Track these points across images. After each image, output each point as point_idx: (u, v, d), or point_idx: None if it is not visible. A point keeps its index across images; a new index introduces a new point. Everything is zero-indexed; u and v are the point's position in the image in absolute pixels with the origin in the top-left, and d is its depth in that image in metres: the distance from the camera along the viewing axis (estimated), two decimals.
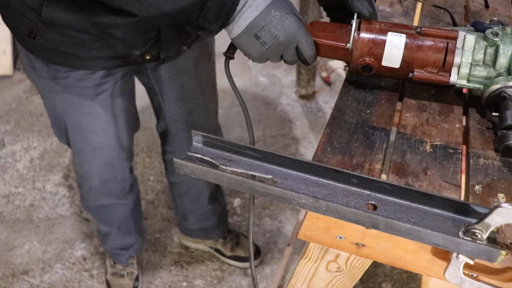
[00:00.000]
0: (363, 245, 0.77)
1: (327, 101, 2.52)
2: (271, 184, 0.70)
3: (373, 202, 0.70)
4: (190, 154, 0.77)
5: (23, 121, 2.45)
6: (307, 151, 2.27)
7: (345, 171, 0.70)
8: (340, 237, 0.77)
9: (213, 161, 0.75)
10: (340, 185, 0.71)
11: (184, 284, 1.77)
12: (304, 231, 0.80)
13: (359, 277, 0.90)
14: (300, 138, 2.33)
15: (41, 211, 2.00)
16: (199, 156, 0.77)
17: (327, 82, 2.62)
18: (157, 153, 2.28)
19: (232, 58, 0.89)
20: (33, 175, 2.15)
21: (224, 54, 0.89)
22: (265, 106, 2.53)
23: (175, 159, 0.73)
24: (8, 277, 1.75)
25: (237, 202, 2.08)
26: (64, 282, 1.74)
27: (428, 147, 0.79)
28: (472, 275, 0.72)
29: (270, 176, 0.73)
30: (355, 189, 0.71)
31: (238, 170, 0.74)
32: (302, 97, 2.51)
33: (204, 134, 0.77)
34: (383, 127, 0.83)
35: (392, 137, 0.82)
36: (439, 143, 0.79)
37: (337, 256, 0.87)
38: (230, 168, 0.74)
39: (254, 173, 0.74)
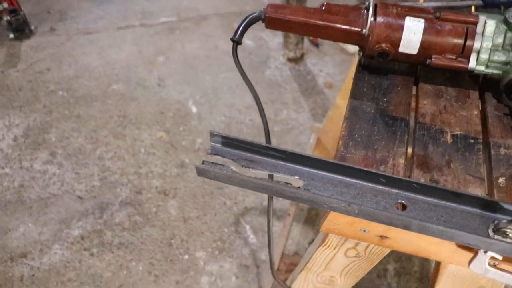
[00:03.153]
0: (387, 237, 0.78)
1: (315, 63, 2.48)
2: (302, 189, 0.68)
3: (402, 201, 0.69)
4: (210, 155, 0.75)
5: (1, 97, 2.35)
6: (299, 116, 2.25)
7: (373, 171, 0.69)
8: (364, 231, 0.78)
9: (235, 163, 0.73)
10: (367, 184, 0.71)
11: (186, 257, 1.78)
12: (327, 225, 0.80)
13: (377, 262, 0.92)
14: (290, 103, 2.31)
15: (32, 192, 1.95)
16: (219, 157, 0.75)
17: (315, 43, 2.57)
18: (146, 125, 2.23)
19: (240, 43, 0.86)
20: (19, 154, 2.09)
21: (231, 39, 0.85)
22: (253, 71, 2.48)
23: (196, 165, 0.71)
24: (6, 261, 1.73)
25: None
26: (64, 263, 1.74)
27: (449, 138, 0.78)
28: (494, 264, 0.74)
29: (296, 177, 0.72)
30: (383, 187, 0.70)
31: (263, 172, 0.72)
32: (290, 60, 2.47)
33: (223, 134, 0.75)
34: (402, 116, 0.81)
35: (411, 121, 0.82)
36: (459, 132, 0.79)
37: (356, 244, 0.88)
38: (254, 170, 0.72)
39: (279, 175, 0.72)
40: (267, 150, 0.73)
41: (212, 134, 0.75)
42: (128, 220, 1.88)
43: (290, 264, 1.76)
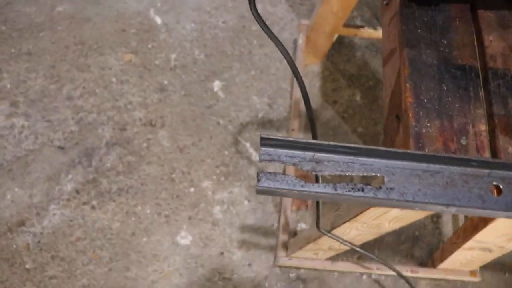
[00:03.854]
0: None
1: None
2: (392, 197, 0.57)
3: (496, 184, 0.59)
4: (263, 162, 0.61)
5: None
6: (276, 9, 2.03)
7: (464, 157, 0.57)
8: None
9: (297, 167, 0.60)
10: (455, 168, 0.59)
11: (192, 190, 1.70)
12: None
13: None
14: None
15: (6, 152, 1.77)
16: (275, 161, 0.61)
17: None
18: (110, 48, 1.98)
19: None
20: None
21: None
22: None
23: (256, 187, 0.58)
24: (5, 233, 1.61)
25: (217, 85, 1.90)
26: (67, 222, 1.64)
27: None
28: None
29: (374, 174, 0.60)
30: (473, 169, 0.59)
31: (334, 174, 0.60)
32: None
33: (273, 136, 0.60)
34: (470, 64, 0.67)
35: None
36: None
37: None
38: (323, 173, 0.60)
39: (354, 174, 0.60)
40: (334, 148, 0.60)
41: (263, 138, 0.60)
42: (121, 162, 1.75)
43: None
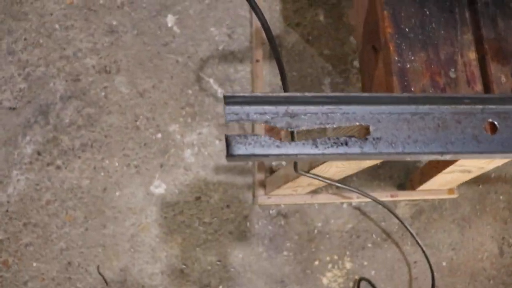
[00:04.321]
0: None
1: None
2: (381, 149, 0.51)
3: (490, 120, 0.54)
4: (231, 121, 0.54)
5: None
6: None
7: (455, 95, 0.51)
8: None
9: (270, 124, 0.54)
10: (446, 107, 0.53)
11: (159, 135, 1.62)
12: None
13: None
14: None
15: None
16: (244, 120, 0.54)
17: None
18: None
19: None
20: None
21: None
22: None
23: (226, 156, 0.51)
24: None
25: (170, 20, 1.76)
26: (33, 187, 1.55)
27: None
28: None
29: (357, 123, 0.53)
30: (465, 107, 0.54)
31: (312, 127, 0.53)
32: None
33: (238, 94, 0.53)
34: None
35: None
36: None
37: None
38: (300, 128, 0.53)
39: (335, 125, 0.54)
40: (310, 99, 0.53)
41: (226, 97, 0.53)
42: (80, 116, 1.64)
43: None
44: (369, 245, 1.58)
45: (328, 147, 0.51)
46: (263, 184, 1.47)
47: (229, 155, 0.51)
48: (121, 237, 1.52)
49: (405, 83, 0.56)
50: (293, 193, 1.37)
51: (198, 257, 1.53)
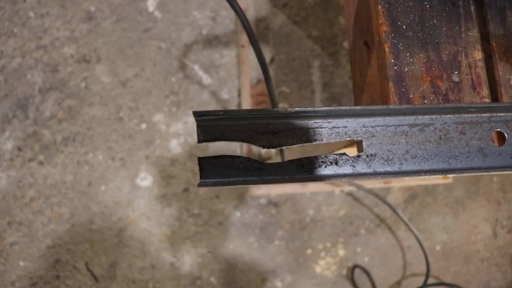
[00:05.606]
0: None
1: None
2: (375, 167, 0.47)
3: (498, 130, 0.50)
4: (203, 142, 0.49)
5: None
6: None
7: (459, 105, 0.47)
8: None
9: (248, 143, 0.49)
10: (448, 116, 0.49)
11: (144, 126, 1.57)
12: None
13: None
14: None
15: None
16: (219, 140, 0.49)
17: None
18: None
19: None
20: None
21: None
22: None
23: (198, 183, 0.47)
24: None
25: (151, 4, 1.68)
26: (16, 184, 1.50)
27: None
28: None
29: (349, 138, 0.49)
30: (469, 115, 0.49)
31: (298, 144, 0.49)
32: None
33: (210, 110, 0.48)
34: None
35: None
36: None
37: None
38: (282, 147, 0.48)
39: (324, 142, 0.49)
40: (293, 114, 0.48)
41: (197, 114, 0.47)
42: (60, 109, 1.58)
43: (258, 95, 1.59)
44: (362, 231, 1.55)
45: (315, 168, 0.47)
46: None
47: (201, 183, 0.46)
48: (109, 232, 1.48)
49: (403, 89, 0.52)
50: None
51: (188, 250, 1.50)
